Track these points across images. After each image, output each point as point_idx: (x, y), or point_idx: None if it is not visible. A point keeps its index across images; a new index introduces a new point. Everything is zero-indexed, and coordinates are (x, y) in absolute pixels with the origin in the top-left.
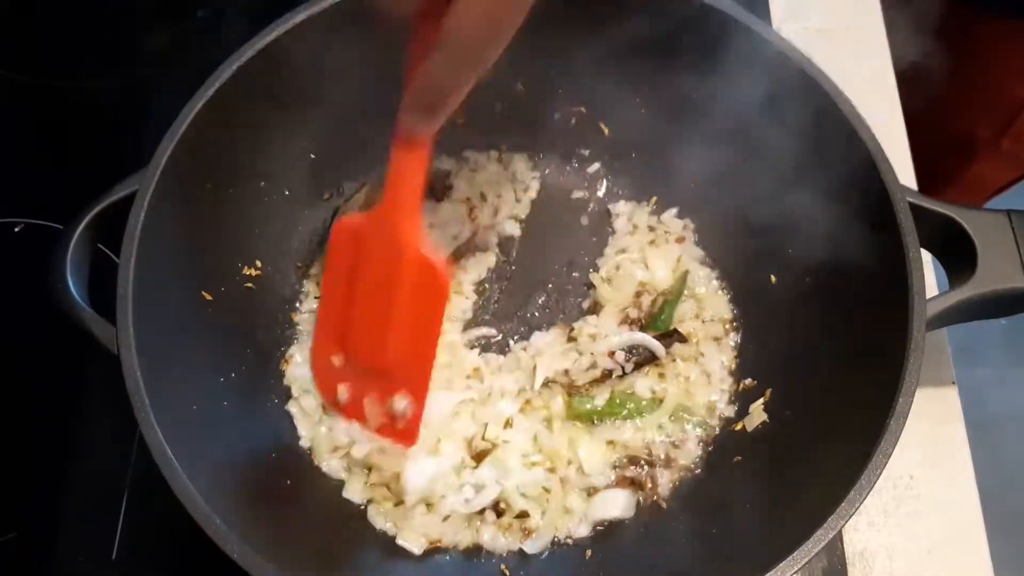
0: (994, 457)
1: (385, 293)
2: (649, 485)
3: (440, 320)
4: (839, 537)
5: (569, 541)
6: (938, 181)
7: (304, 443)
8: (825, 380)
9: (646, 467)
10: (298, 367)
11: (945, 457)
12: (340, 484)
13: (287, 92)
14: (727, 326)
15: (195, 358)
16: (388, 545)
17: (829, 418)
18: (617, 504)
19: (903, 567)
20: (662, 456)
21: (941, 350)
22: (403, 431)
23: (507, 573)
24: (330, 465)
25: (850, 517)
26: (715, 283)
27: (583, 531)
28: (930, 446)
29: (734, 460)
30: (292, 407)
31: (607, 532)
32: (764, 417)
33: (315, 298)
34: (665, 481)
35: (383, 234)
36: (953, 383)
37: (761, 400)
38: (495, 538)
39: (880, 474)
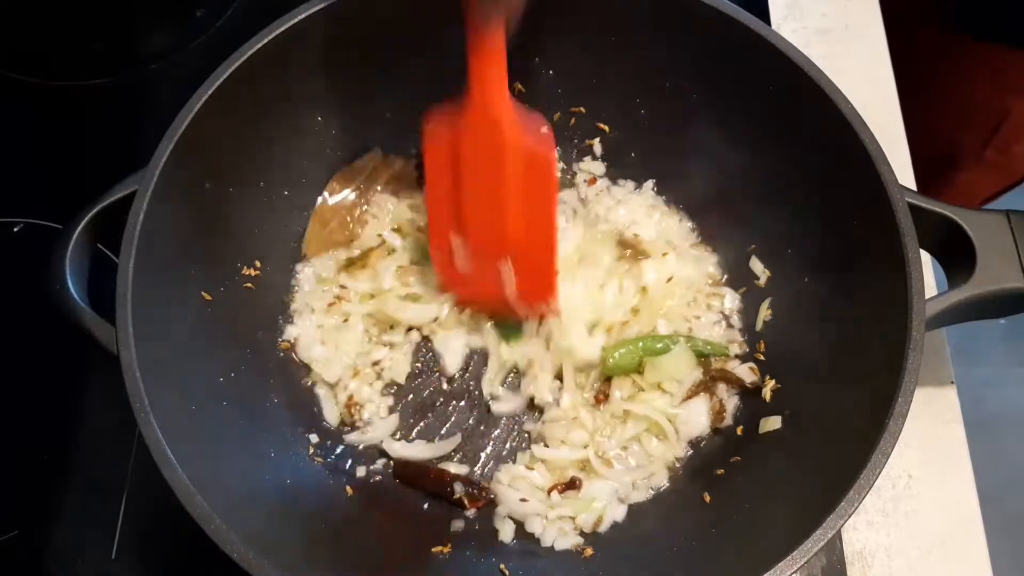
0: (993, 457)
1: (495, 182)
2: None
3: (554, 194)
4: (838, 536)
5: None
6: (926, 192)
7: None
8: (824, 379)
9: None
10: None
11: (944, 457)
12: (340, 483)
13: (286, 92)
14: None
15: (195, 358)
16: (388, 544)
17: (828, 417)
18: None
19: (902, 566)
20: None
21: (940, 350)
22: (541, 289)
23: (507, 573)
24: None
25: (849, 516)
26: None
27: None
28: (929, 446)
29: (732, 460)
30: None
31: (606, 532)
32: (777, 426)
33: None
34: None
35: (479, 127)
36: (952, 383)
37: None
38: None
39: (879, 473)
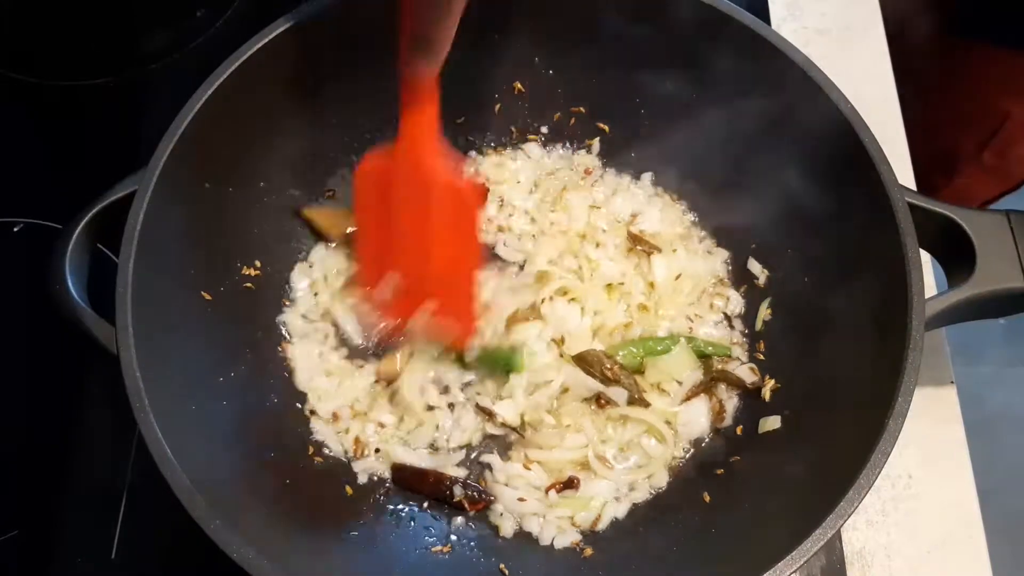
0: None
1: (421, 218)
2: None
3: (477, 227)
4: (838, 536)
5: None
6: (923, 195)
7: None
8: (824, 379)
9: None
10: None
11: (944, 456)
12: (340, 483)
13: (286, 92)
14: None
15: (195, 358)
16: (388, 543)
17: (828, 417)
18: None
19: (901, 566)
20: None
21: (940, 350)
22: (463, 319)
23: (506, 572)
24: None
25: (849, 516)
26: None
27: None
28: (929, 445)
29: (732, 460)
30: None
31: (606, 531)
32: (777, 426)
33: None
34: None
35: (407, 168)
36: (952, 382)
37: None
38: None
39: (879, 473)
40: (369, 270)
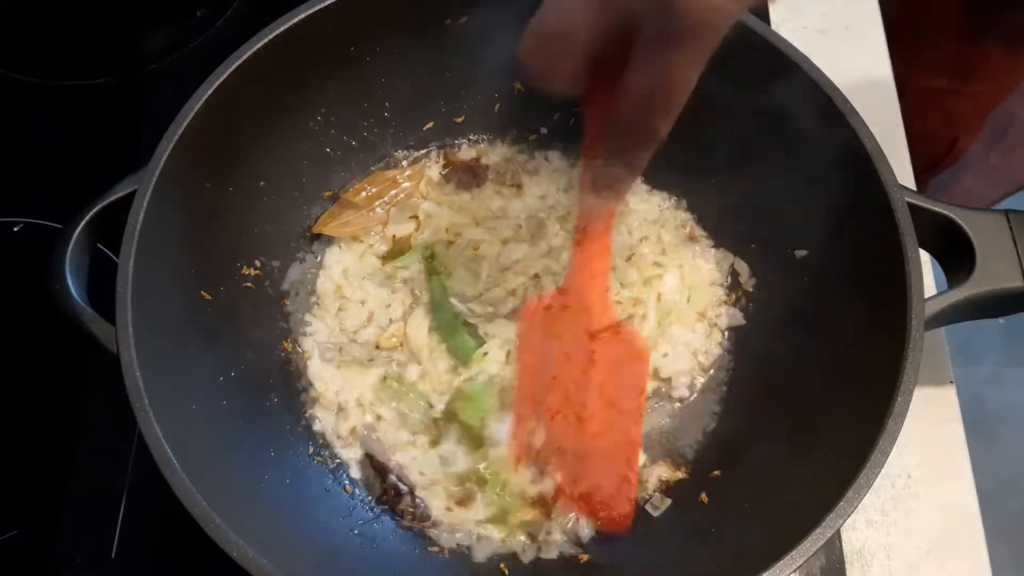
0: (992, 456)
1: (582, 374)
2: None
3: (643, 398)
4: (837, 536)
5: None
6: (925, 195)
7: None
8: (823, 379)
9: None
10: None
11: (943, 456)
12: (340, 483)
13: (286, 91)
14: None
15: (195, 357)
16: (389, 543)
17: (827, 417)
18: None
19: (901, 566)
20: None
21: (939, 349)
22: (616, 516)
23: (506, 572)
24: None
25: (848, 516)
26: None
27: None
28: (928, 445)
29: (730, 460)
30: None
31: (603, 532)
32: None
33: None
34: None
35: (573, 318)
36: (951, 382)
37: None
38: None
39: (878, 473)
40: (523, 407)
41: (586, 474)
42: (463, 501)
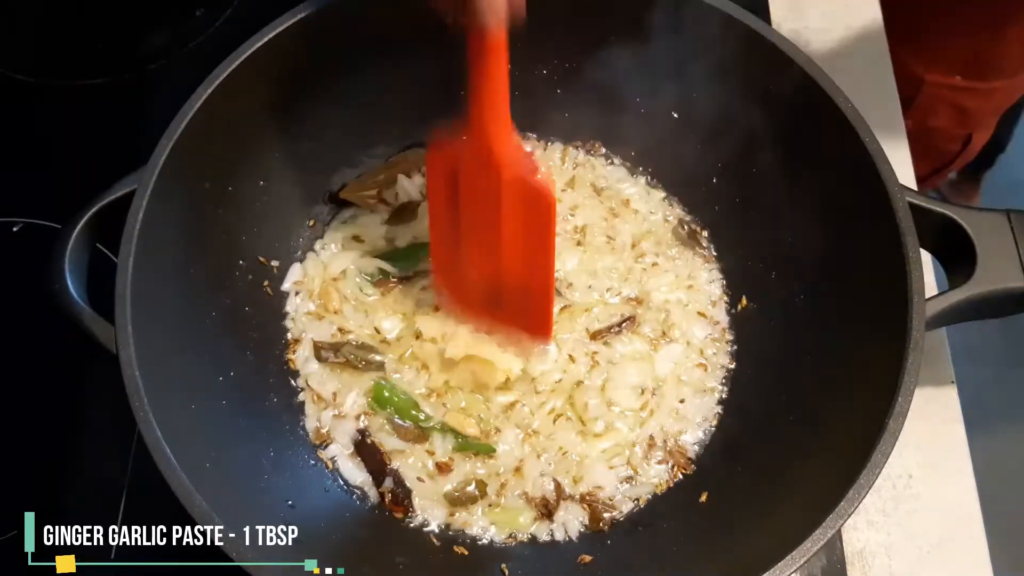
0: (993, 456)
1: (492, 213)
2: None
3: (552, 233)
4: (838, 536)
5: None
6: (939, 194)
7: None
8: (824, 379)
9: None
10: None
11: (944, 456)
12: (340, 482)
13: (286, 91)
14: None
15: (194, 357)
16: (390, 540)
17: (828, 417)
18: None
19: (902, 566)
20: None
21: (940, 349)
22: (536, 326)
23: (507, 572)
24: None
25: (849, 516)
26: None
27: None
28: (929, 445)
29: (730, 460)
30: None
31: (604, 532)
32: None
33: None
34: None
35: (477, 157)
36: (952, 382)
37: None
38: None
39: (879, 473)
40: (440, 257)
41: (507, 304)
42: (461, 502)
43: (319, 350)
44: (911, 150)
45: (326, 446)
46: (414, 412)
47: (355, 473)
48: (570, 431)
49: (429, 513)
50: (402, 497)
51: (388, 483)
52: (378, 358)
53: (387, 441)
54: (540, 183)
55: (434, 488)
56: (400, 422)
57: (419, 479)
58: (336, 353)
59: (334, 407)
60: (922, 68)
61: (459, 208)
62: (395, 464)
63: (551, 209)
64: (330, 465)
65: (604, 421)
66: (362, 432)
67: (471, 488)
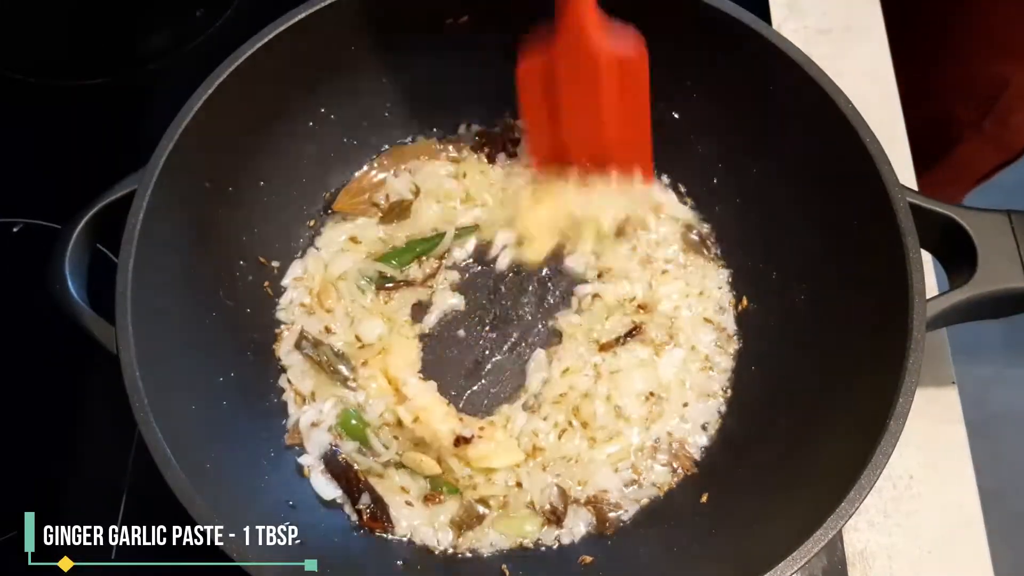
0: (994, 457)
1: (590, 97)
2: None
3: (647, 86)
4: (839, 537)
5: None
6: (920, 165)
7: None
8: (825, 379)
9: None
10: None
11: (945, 457)
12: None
13: (286, 91)
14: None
15: (194, 358)
16: (390, 544)
17: (829, 418)
18: None
19: (903, 567)
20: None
21: (941, 350)
22: (641, 166)
23: (507, 573)
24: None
25: (850, 517)
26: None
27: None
28: (930, 446)
29: (731, 460)
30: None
31: (603, 531)
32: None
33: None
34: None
35: (572, 50)
36: (953, 383)
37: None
38: None
39: (880, 474)
40: (538, 142)
41: (608, 159)
42: (467, 524)
43: (302, 339)
44: (986, 147)
45: (300, 454)
46: (383, 447)
47: (327, 488)
48: (575, 438)
49: (430, 536)
50: (379, 514)
51: (365, 499)
52: (345, 372)
53: (361, 461)
54: (632, 51)
55: (429, 515)
56: (366, 455)
57: (407, 503)
58: (315, 350)
59: (312, 409)
60: (1010, 67)
61: (557, 95)
62: (376, 488)
63: (645, 69)
64: (306, 473)
65: (611, 428)
66: (335, 447)
67: (479, 508)
